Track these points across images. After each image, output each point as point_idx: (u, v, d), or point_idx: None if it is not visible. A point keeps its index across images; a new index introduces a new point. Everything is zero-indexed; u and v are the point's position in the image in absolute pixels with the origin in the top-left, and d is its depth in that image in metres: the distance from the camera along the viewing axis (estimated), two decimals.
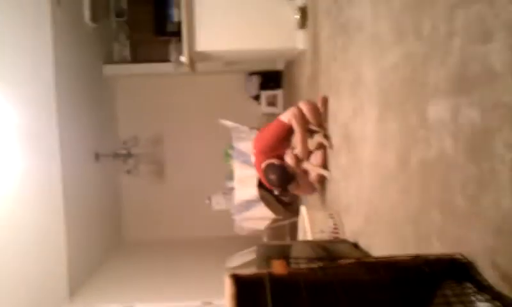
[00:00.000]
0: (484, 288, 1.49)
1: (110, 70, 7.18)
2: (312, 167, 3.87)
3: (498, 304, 1.43)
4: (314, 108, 3.88)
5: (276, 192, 4.67)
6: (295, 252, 2.82)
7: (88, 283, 5.83)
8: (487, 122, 1.51)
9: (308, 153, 3.87)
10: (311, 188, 4.16)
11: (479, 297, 1.49)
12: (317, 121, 3.86)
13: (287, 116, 3.95)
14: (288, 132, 3.98)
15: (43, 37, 5.03)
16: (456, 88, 1.70)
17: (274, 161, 3.97)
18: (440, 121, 1.82)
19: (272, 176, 3.96)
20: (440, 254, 1.65)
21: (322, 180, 3.92)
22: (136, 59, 7.50)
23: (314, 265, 1.58)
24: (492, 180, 1.49)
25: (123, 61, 7.47)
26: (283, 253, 2.95)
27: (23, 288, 4.54)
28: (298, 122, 3.85)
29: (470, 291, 1.54)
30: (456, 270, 1.59)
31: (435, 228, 1.89)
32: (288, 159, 3.92)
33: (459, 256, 1.62)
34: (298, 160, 3.88)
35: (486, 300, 1.47)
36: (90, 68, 6.59)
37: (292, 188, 4.06)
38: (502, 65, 1.43)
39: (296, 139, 3.89)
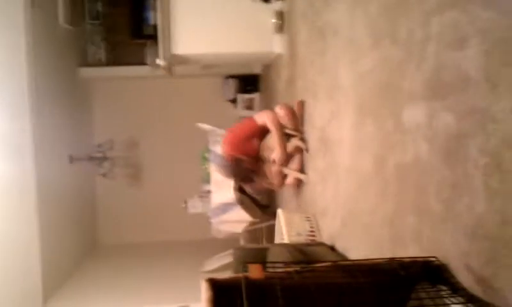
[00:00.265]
0: (458, 291, 1.51)
1: (85, 72, 7.11)
2: (290, 171, 3.88)
3: (471, 306, 1.45)
4: (291, 112, 3.89)
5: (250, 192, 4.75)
6: (272, 255, 2.82)
7: (63, 288, 5.75)
8: (461, 127, 1.53)
9: (287, 155, 3.88)
10: (267, 186, 4.31)
11: (453, 299, 1.51)
12: (293, 125, 3.88)
13: (261, 118, 3.99)
14: (259, 132, 4.03)
15: (17, 38, 4.95)
16: (431, 93, 1.73)
17: (237, 155, 4.06)
18: (416, 126, 1.84)
19: (225, 167, 4.18)
20: (414, 257, 1.67)
21: (299, 183, 3.93)
22: (112, 61, 7.41)
23: (291, 269, 1.58)
24: (466, 185, 1.51)
25: (98, 63, 7.38)
26: (260, 257, 2.95)
27: None
28: (275, 126, 3.86)
29: (444, 293, 1.56)
30: (430, 273, 1.61)
31: (410, 231, 1.90)
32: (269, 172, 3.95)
33: (434, 259, 1.64)
34: (278, 164, 3.87)
35: (460, 303, 1.49)
36: (65, 71, 6.51)
37: (246, 184, 4.13)
38: (476, 71, 1.45)
39: (274, 141, 3.90)
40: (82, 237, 7.07)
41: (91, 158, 7.04)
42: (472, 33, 1.48)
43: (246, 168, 4.05)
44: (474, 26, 1.47)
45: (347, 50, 2.76)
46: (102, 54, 7.43)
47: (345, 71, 2.79)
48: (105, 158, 7.22)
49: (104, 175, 7.33)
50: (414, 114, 1.86)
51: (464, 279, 1.53)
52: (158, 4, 4.86)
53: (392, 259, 1.60)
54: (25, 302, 4.99)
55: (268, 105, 6.04)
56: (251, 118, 4.13)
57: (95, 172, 7.41)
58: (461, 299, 1.49)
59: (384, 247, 2.17)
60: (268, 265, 1.65)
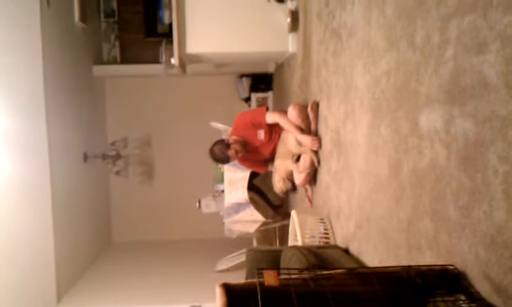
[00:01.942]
0: (477, 300, 1.49)
1: (99, 70, 7.13)
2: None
3: None
4: (304, 112, 3.88)
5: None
6: (285, 258, 2.81)
7: (76, 286, 5.79)
8: (480, 133, 1.51)
9: (301, 129, 3.89)
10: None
11: None
12: (305, 126, 3.87)
13: (272, 118, 4.05)
14: (266, 128, 4.18)
15: (32, 38, 4.97)
16: (449, 98, 1.70)
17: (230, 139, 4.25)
18: (433, 130, 1.82)
19: (215, 147, 4.27)
20: (432, 265, 1.64)
21: (310, 179, 3.91)
22: (125, 60, 7.45)
23: (306, 275, 1.57)
24: (485, 192, 1.48)
25: (112, 62, 7.42)
26: (274, 259, 2.94)
27: (10, 292, 4.49)
28: (288, 123, 3.90)
29: (462, 302, 1.54)
30: (448, 281, 1.59)
31: (427, 237, 1.88)
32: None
33: (452, 267, 1.62)
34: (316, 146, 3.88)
35: None
36: (79, 69, 6.54)
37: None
38: (496, 77, 1.43)
39: (292, 139, 3.93)
40: (96, 235, 7.11)
41: (105, 156, 7.07)
42: (492, 38, 1.45)
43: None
44: (494, 31, 1.44)
45: (362, 51, 2.73)
46: (116, 52, 7.46)
47: (360, 73, 2.77)
48: (119, 156, 7.26)
49: (118, 173, 7.37)
50: (431, 118, 1.83)
51: (483, 288, 1.50)
52: (173, 2, 4.86)
53: (408, 266, 1.58)
54: (39, 299, 5.03)
55: (281, 104, 6.03)
56: (263, 110, 4.17)
57: (109, 170, 7.45)
58: None
59: (400, 252, 2.15)
60: (282, 270, 1.64)
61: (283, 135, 4.03)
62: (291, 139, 3.87)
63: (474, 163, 1.54)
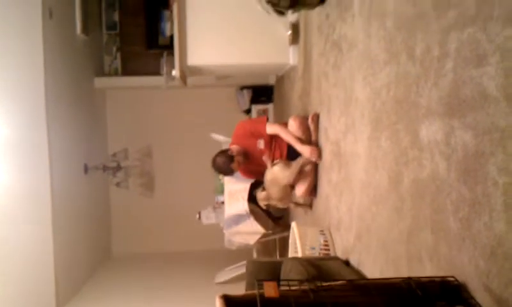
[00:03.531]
0: None
1: (101, 82, 7.17)
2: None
3: None
4: (304, 124, 3.89)
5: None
6: (286, 269, 2.80)
7: (76, 298, 5.76)
8: (480, 145, 1.51)
9: (300, 141, 3.89)
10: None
11: None
12: (306, 138, 3.88)
13: (272, 129, 4.05)
14: (267, 138, 4.14)
15: (34, 49, 5.00)
16: (449, 110, 1.71)
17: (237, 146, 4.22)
18: (433, 142, 1.83)
19: (218, 159, 4.22)
20: (432, 277, 1.64)
21: (311, 190, 3.91)
22: (127, 72, 7.48)
23: (306, 287, 1.56)
24: (485, 203, 1.49)
25: (114, 73, 7.45)
26: (274, 271, 2.93)
27: (9, 304, 4.47)
28: (288, 135, 3.91)
29: None
30: (448, 293, 1.58)
31: (427, 248, 1.88)
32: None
33: (452, 279, 1.62)
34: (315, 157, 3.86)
35: None
36: (81, 80, 6.57)
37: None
38: (496, 89, 1.43)
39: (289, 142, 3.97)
40: (96, 246, 7.09)
41: (105, 168, 7.08)
42: (492, 50, 1.46)
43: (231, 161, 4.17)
44: (493, 44, 1.45)
45: (362, 64, 2.75)
46: (117, 64, 7.50)
47: (360, 85, 2.78)
48: (119, 168, 7.26)
49: (118, 185, 7.37)
50: (431, 130, 1.84)
51: (484, 300, 1.50)
52: (174, 15, 4.89)
53: (409, 278, 1.58)
54: None
55: (282, 116, 6.05)
56: (263, 120, 4.19)
57: (109, 182, 7.45)
58: None
59: (400, 264, 2.15)
60: (282, 282, 1.63)
61: (267, 178, 3.84)
62: (276, 173, 3.76)
63: (474, 175, 1.55)
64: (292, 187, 3.84)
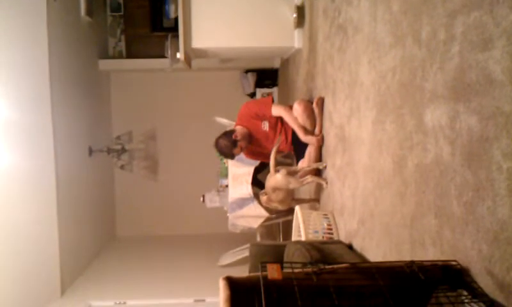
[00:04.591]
0: (480, 296, 1.49)
1: (105, 64, 7.16)
2: (313, 178, 3.82)
3: None
4: (309, 109, 3.88)
5: None
6: (289, 253, 2.82)
7: (80, 279, 5.82)
8: (485, 130, 1.51)
9: (305, 131, 3.91)
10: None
11: (474, 305, 1.49)
12: (310, 122, 3.87)
13: (277, 111, 4.04)
14: (273, 120, 4.13)
15: (38, 32, 4.99)
16: (455, 94, 1.70)
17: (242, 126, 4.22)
18: (438, 127, 1.82)
19: (221, 141, 4.19)
20: (434, 260, 1.65)
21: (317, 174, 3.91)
22: (131, 54, 7.46)
23: (309, 270, 1.57)
24: (489, 188, 1.49)
25: (118, 56, 7.43)
26: (277, 254, 2.94)
27: (14, 283, 4.52)
28: (292, 120, 3.91)
29: (464, 298, 1.54)
30: (450, 277, 1.59)
31: (430, 233, 1.88)
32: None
33: (455, 263, 1.62)
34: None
35: None
36: (85, 63, 6.56)
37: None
38: (502, 73, 1.42)
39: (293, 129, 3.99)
40: (100, 228, 7.14)
41: (110, 151, 7.09)
42: (498, 34, 1.45)
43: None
44: (500, 27, 1.44)
45: (368, 47, 2.73)
46: (122, 46, 7.48)
47: (365, 68, 2.76)
48: (123, 151, 7.27)
49: (122, 167, 7.39)
50: (436, 115, 1.83)
51: (486, 284, 1.50)
52: None
53: (411, 262, 1.58)
54: (43, 292, 5.06)
55: (287, 100, 6.03)
56: (269, 101, 4.16)
57: (114, 164, 7.48)
58: (482, 305, 1.47)
59: (403, 248, 2.15)
60: (286, 264, 1.64)
61: (270, 184, 3.81)
62: (279, 181, 3.73)
63: (478, 159, 1.54)
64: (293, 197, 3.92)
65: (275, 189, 3.76)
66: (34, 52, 4.95)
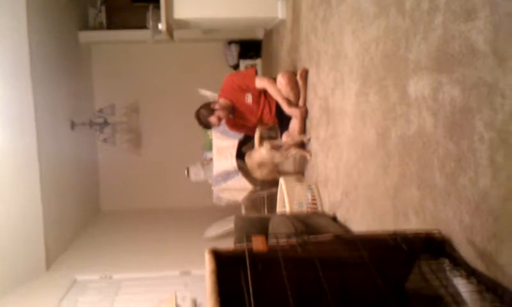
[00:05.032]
0: (461, 265, 1.51)
1: (85, 36, 7.02)
2: (297, 151, 3.84)
3: (474, 280, 1.46)
4: (293, 81, 3.86)
5: None
6: (274, 225, 2.83)
7: (66, 254, 5.80)
8: (467, 100, 1.51)
9: (289, 103, 3.91)
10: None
11: (455, 272, 1.52)
12: (294, 94, 3.86)
13: (261, 83, 4.02)
14: (256, 92, 4.11)
15: (16, 3, 4.86)
16: (438, 65, 1.70)
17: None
18: (421, 98, 1.82)
19: (201, 110, 4.19)
20: (417, 230, 1.67)
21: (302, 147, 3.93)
22: (112, 25, 7.32)
23: (294, 241, 1.58)
24: (471, 159, 1.50)
25: (98, 27, 7.29)
26: (262, 226, 2.96)
27: None
28: (276, 92, 3.89)
29: (446, 266, 1.56)
30: (432, 247, 1.61)
31: (413, 203, 1.91)
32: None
33: (436, 232, 1.64)
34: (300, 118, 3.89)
35: (462, 277, 1.49)
36: (65, 35, 6.43)
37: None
38: (484, 44, 1.42)
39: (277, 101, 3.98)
40: (84, 203, 7.10)
41: (92, 124, 7.02)
42: (481, 4, 1.45)
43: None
44: None
45: (352, 18, 2.71)
46: (102, 18, 7.33)
47: (349, 39, 2.75)
48: (106, 124, 7.20)
49: (105, 141, 7.33)
50: (419, 86, 1.83)
51: (468, 253, 1.53)
52: None
53: (394, 232, 1.60)
54: (28, 266, 5.04)
55: (271, 72, 5.99)
56: (252, 74, 4.14)
57: (97, 138, 7.41)
58: (463, 273, 1.50)
59: (387, 219, 2.18)
60: (271, 236, 1.65)
61: (255, 159, 3.87)
62: (264, 156, 3.78)
63: (461, 130, 1.55)
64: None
65: (260, 165, 3.77)
66: (12, 25, 4.83)
